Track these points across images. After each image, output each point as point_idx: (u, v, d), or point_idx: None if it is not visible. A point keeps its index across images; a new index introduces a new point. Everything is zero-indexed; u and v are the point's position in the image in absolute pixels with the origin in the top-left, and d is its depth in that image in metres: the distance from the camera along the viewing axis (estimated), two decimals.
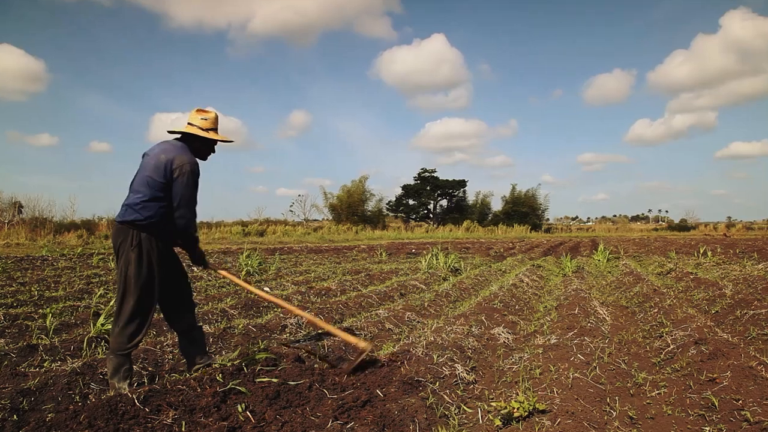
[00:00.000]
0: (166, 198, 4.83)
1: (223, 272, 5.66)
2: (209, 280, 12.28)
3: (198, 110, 5.16)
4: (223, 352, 6.15)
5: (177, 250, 5.36)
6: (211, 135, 5.12)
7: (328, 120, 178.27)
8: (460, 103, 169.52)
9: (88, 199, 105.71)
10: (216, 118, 5.19)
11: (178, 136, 5.16)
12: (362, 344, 5.33)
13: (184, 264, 5.51)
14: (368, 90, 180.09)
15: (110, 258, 17.56)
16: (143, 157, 5.00)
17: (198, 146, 5.14)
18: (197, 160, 5.05)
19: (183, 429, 3.87)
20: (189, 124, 5.12)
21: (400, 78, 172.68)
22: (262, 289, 10.84)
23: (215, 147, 5.30)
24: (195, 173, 4.88)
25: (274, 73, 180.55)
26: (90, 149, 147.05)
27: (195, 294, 10.15)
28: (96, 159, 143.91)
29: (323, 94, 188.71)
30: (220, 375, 4.73)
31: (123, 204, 4.88)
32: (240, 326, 7.13)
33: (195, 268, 14.38)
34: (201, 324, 6.39)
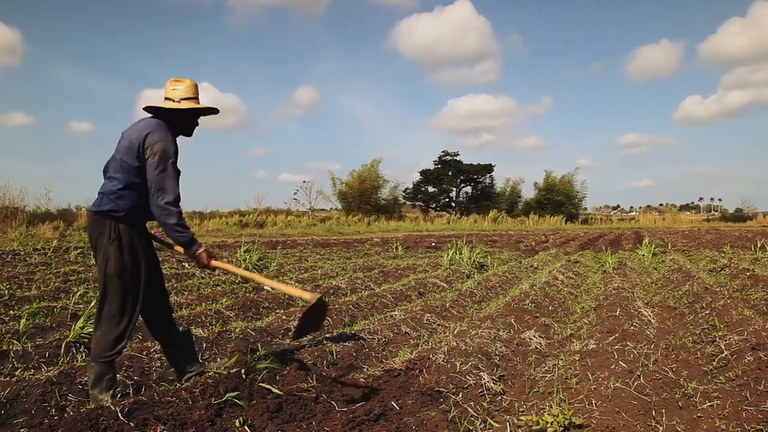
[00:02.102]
0: (144, 184, 4.77)
1: (230, 267, 5.46)
2: (202, 277, 12.31)
3: (171, 81, 5.07)
4: (218, 359, 6.16)
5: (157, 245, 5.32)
6: (184, 105, 4.99)
7: (337, 97, 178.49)
8: (488, 78, 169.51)
9: (66, 186, 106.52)
10: (192, 85, 5.08)
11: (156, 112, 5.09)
12: (307, 295, 5.12)
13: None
14: (383, 64, 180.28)
15: (90, 253, 17.55)
16: (120, 138, 4.97)
17: (177, 121, 5.05)
18: (179, 137, 5.02)
19: None
20: (164, 98, 5.05)
21: (420, 50, 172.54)
22: (263, 288, 10.87)
23: (198, 120, 5.20)
24: (168, 152, 4.76)
25: (278, 44, 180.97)
26: (69, 130, 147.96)
27: (186, 293, 10.19)
28: (76, 140, 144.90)
29: (332, 68, 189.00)
30: (215, 385, 4.73)
31: (98, 192, 4.86)
32: (237, 330, 7.14)
33: (186, 264, 14.43)
34: (189, 328, 6.39)
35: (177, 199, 4.78)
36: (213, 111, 5.24)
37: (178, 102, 4.99)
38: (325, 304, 5.22)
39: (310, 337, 7.26)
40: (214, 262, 5.07)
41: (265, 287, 5.79)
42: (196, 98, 5.10)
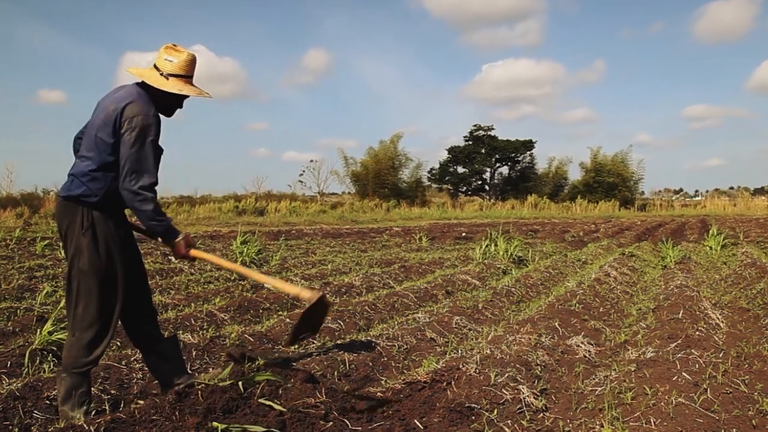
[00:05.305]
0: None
1: (212, 258, 5.48)
2: (192, 273, 12.34)
3: (167, 47, 5.00)
4: (210, 370, 6.16)
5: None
6: (170, 84, 4.92)
7: (353, 63, 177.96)
8: (530, 40, 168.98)
9: (32, 165, 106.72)
10: (188, 62, 5.00)
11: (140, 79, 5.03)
12: (305, 293, 5.14)
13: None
14: (407, 23, 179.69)
15: (58, 244, 17.60)
16: (96, 108, 4.95)
17: (159, 94, 4.97)
18: (159, 114, 4.93)
19: None
20: (154, 66, 4.99)
21: (450, 7, 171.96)
22: (263, 285, 10.88)
23: (184, 101, 5.14)
24: (148, 128, 4.71)
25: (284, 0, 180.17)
26: (38, 99, 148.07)
27: (173, 292, 10.22)
28: (45, 112, 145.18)
29: (347, 28, 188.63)
30: (206, 400, 4.73)
31: (68, 173, 4.83)
32: (233, 335, 7.15)
33: (173, 258, 14.45)
34: (176, 333, 6.40)
35: (154, 184, 4.75)
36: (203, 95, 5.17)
37: (165, 78, 4.93)
38: (327, 304, 5.19)
39: (318, 344, 7.27)
40: (193, 252, 5.13)
41: (266, 285, 5.73)
42: (188, 78, 5.04)
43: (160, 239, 5.10)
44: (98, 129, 4.73)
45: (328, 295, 5.18)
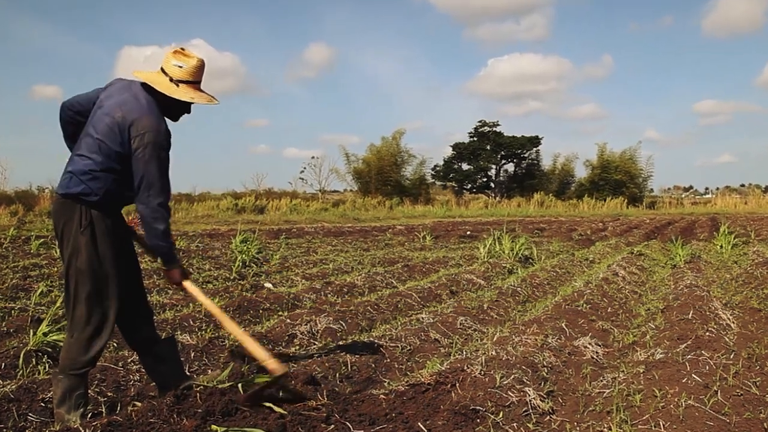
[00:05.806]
0: (123, 170, 4.71)
1: (201, 297, 5.23)
2: (190, 273, 12.26)
3: (176, 51, 4.93)
4: (209, 371, 6.15)
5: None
6: (181, 92, 4.86)
7: (355, 57, 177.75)
8: (536, 34, 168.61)
9: (27, 162, 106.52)
10: (197, 68, 4.94)
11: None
12: (272, 365, 4.90)
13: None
14: (411, 17, 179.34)
15: (54, 243, 17.53)
16: (97, 100, 4.88)
17: (166, 100, 4.90)
18: (167, 122, 4.88)
19: None
20: (161, 69, 4.92)
21: (455, 1, 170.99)
22: (263, 286, 10.85)
23: (192, 107, 5.08)
24: (161, 143, 4.70)
25: None
26: (33, 95, 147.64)
27: (170, 292, 10.17)
28: (41, 108, 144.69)
29: (350, 22, 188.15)
30: (204, 402, 4.72)
31: (66, 170, 4.79)
32: (232, 336, 7.13)
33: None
34: (173, 334, 6.38)
35: (169, 199, 4.76)
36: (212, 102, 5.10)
37: (175, 85, 4.86)
38: (287, 377, 5.05)
39: (319, 344, 7.25)
40: (186, 283, 5.10)
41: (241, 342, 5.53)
42: (197, 84, 4.99)
43: (158, 260, 5.07)
44: (102, 135, 4.67)
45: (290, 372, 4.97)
